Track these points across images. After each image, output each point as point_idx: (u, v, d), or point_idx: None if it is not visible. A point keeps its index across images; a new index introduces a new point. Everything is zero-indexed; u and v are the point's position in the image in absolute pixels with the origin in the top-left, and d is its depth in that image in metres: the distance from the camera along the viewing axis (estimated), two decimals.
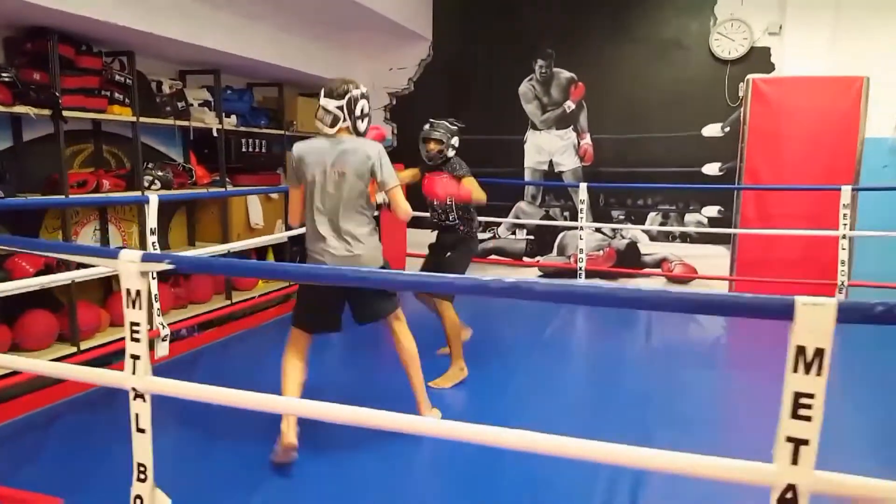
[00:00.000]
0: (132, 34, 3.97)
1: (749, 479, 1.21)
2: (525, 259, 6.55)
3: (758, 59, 5.77)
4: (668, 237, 6.16)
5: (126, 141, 4.39)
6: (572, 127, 6.30)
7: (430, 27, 6.50)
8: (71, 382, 3.19)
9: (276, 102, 5.77)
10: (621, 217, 6.26)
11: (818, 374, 1.11)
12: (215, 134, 4.86)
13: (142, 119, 4.26)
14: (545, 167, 6.42)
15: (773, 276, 5.41)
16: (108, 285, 4.40)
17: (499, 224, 6.57)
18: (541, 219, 6.45)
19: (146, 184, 4.34)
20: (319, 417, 1.61)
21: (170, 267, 1.59)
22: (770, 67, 5.74)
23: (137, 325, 1.62)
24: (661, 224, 6.14)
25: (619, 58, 6.10)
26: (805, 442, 1.14)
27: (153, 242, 3.45)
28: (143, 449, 1.68)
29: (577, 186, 5.93)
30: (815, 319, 1.10)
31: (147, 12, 3.94)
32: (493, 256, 6.63)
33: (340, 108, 2.70)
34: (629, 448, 1.30)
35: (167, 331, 3.56)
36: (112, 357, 3.93)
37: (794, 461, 1.15)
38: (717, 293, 1.19)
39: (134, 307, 1.60)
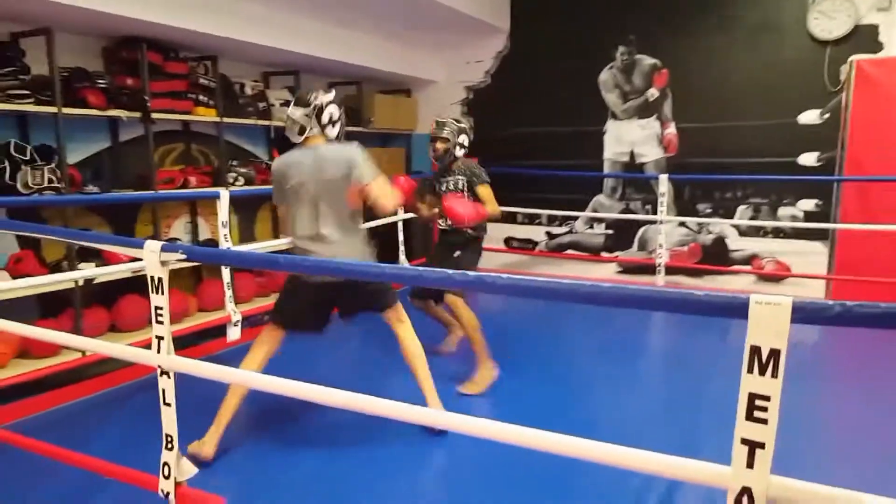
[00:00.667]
0: (216, 40, 4.27)
1: (705, 479, 1.17)
2: (603, 254, 6.41)
3: (863, 38, 5.30)
4: (759, 232, 5.81)
5: (213, 140, 4.72)
6: (655, 116, 6.08)
7: (507, 19, 6.47)
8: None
9: (354, 100, 5.97)
10: (708, 211, 5.97)
11: (774, 375, 1.06)
12: None
13: (225, 119, 4.57)
14: (626, 158, 6.24)
15: (879, 276, 4.98)
16: (200, 274, 4.76)
17: (576, 218, 6.46)
18: (620, 212, 6.28)
19: (230, 180, 4.64)
20: (329, 403, 1.68)
21: (183, 257, 1.73)
22: (877, 47, 5.27)
23: (161, 309, 1.78)
24: (752, 218, 5.81)
25: (706, 41, 5.81)
26: (761, 445, 1.09)
27: (224, 235, 3.70)
28: (169, 421, 1.85)
29: (657, 178, 5.72)
30: (769, 319, 1.05)
31: (229, 19, 4.21)
32: (569, 251, 6.53)
33: (307, 115, 2.71)
34: (581, 441, 1.29)
35: (238, 316, 3.80)
36: (196, 338, 4.26)
37: (750, 464, 1.10)
38: (669, 290, 1.15)
39: (157, 293, 1.76)
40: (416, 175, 6.38)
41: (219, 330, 4.05)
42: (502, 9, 6.41)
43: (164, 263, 1.75)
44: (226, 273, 3.77)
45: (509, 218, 6.59)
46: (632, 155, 6.22)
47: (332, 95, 2.80)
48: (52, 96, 3.50)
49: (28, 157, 3.53)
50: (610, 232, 6.39)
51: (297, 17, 4.78)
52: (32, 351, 3.50)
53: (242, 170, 4.73)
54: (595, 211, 6.38)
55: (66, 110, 3.55)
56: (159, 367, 1.81)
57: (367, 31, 5.54)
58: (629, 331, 4.72)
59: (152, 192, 4.05)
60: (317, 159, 2.71)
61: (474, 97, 6.79)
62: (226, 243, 3.72)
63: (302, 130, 2.73)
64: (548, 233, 6.63)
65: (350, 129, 5.81)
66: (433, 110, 6.79)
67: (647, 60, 6.05)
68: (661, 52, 5.99)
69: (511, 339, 4.36)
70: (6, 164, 3.44)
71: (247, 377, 1.77)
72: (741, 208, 5.85)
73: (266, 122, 4.98)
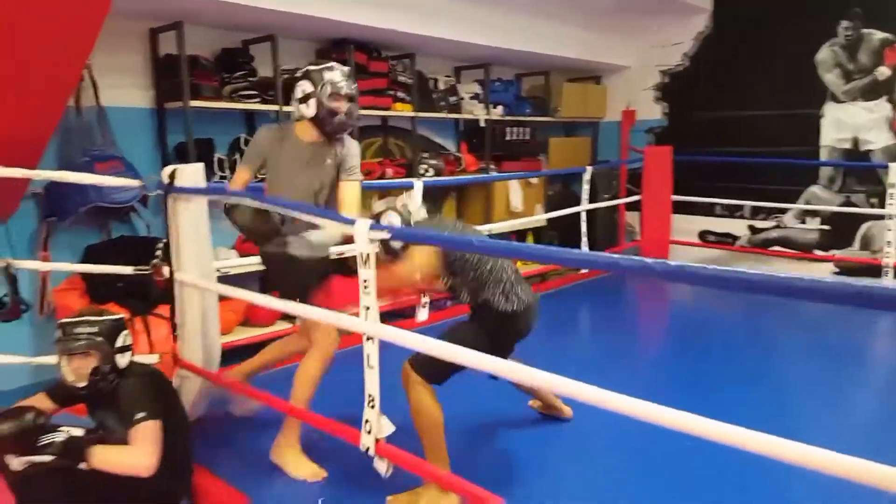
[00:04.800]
0: (414, 38, 4.58)
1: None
2: (817, 252, 5.78)
3: None
4: None
5: (407, 134, 5.07)
6: (886, 97, 5.34)
7: None
8: None
9: (542, 90, 6.02)
10: None
11: None
12: (482, 124, 5.30)
13: (419, 114, 4.87)
14: (847, 145, 5.56)
15: None
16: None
17: (785, 211, 5.90)
18: (839, 206, 5.62)
19: (422, 171, 4.95)
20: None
21: (388, 235, 1.94)
22: None
23: (367, 281, 1.97)
24: None
25: None
26: None
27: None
28: (372, 382, 2.05)
29: (886, 167, 5.04)
30: None
31: (425, 18, 4.49)
32: (776, 248, 5.98)
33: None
34: (761, 435, 1.22)
35: (427, 299, 4.01)
36: (388, 317, 4.59)
37: None
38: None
39: (365, 266, 1.97)
40: (602, 164, 6.29)
41: (409, 311, 4.34)
42: None
43: (371, 241, 1.95)
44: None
45: (706, 210, 6.22)
46: (855, 141, 5.53)
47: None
48: (275, 95, 4.01)
49: None
50: (826, 228, 5.75)
51: (487, 11, 4.93)
52: (252, 320, 4.05)
53: (433, 161, 5.02)
54: (808, 203, 5.79)
55: (286, 108, 4.05)
56: (365, 333, 2.01)
57: (556, 19, 5.52)
58: (852, 335, 4.26)
59: None
60: None
61: (669, 81, 6.46)
62: None
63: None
64: (751, 227, 6.13)
65: (536, 119, 5.92)
66: (623, 97, 6.62)
67: (877, 35, 5.34)
68: (894, 23, 5.24)
69: (714, 336, 4.26)
70: (237, 156, 4.02)
71: (441, 347, 1.86)
72: None
73: (456, 116, 5.22)
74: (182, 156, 3.86)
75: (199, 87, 3.82)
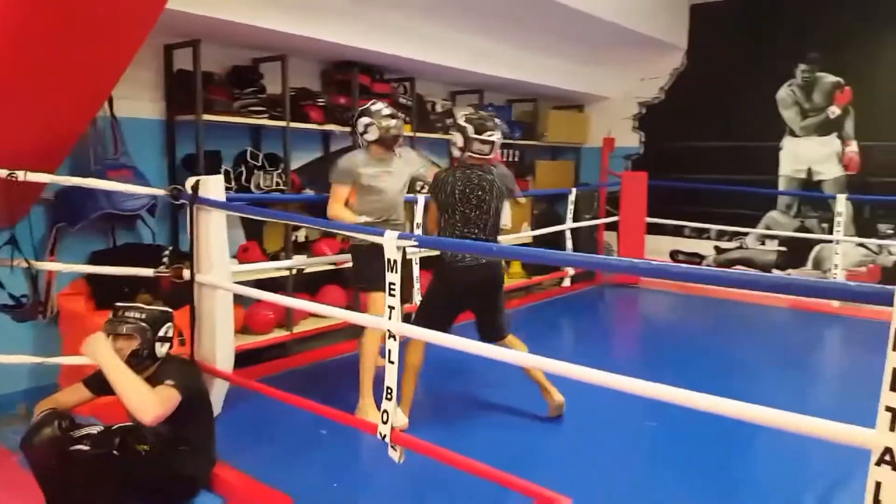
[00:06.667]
0: (413, 64, 4.83)
1: (852, 440, 1.36)
2: (774, 272, 6.23)
3: None
4: None
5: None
6: (836, 133, 5.86)
7: (684, 37, 6.54)
8: None
9: (530, 116, 6.37)
10: (889, 231, 5.65)
11: None
12: None
13: (418, 134, 5.13)
14: (803, 175, 6.06)
15: None
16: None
17: (747, 233, 6.36)
18: (794, 230, 6.10)
19: (418, 188, 5.18)
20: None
21: (414, 244, 2.17)
22: None
23: (394, 284, 2.20)
24: None
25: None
26: None
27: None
28: (391, 376, 2.22)
29: (835, 197, 5.53)
30: None
31: (424, 46, 4.74)
32: (738, 267, 6.43)
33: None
34: (741, 404, 1.54)
35: None
36: None
37: (892, 428, 1.28)
38: (825, 281, 1.34)
39: (392, 272, 2.19)
40: (583, 187, 6.66)
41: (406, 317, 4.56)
42: (680, 27, 6.50)
43: (398, 249, 2.17)
44: (415, 268, 4.25)
45: (676, 231, 6.65)
46: (809, 172, 6.03)
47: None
48: (283, 112, 4.18)
49: (260, 164, 4.22)
50: (783, 249, 6.23)
51: (483, 41, 5.23)
52: (251, 327, 4.18)
53: (429, 179, 5.28)
54: (768, 227, 6.26)
55: (292, 124, 4.24)
56: (389, 330, 2.21)
57: (546, 51, 5.88)
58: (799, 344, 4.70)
59: None
60: None
61: (647, 112, 6.91)
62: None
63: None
64: (716, 247, 6.58)
65: (524, 142, 6.25)
66: (604, 125, 7.03)
67: (829, 78, 5.88)
68: (846, 69, 5.79)
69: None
70: (243, 168, 4.16)
71: (456, 341, 2.10)
72: None
73: (451, 137, 5.48)
74: (190, 167, 3.93)
75: (210, 102, 3.87)
